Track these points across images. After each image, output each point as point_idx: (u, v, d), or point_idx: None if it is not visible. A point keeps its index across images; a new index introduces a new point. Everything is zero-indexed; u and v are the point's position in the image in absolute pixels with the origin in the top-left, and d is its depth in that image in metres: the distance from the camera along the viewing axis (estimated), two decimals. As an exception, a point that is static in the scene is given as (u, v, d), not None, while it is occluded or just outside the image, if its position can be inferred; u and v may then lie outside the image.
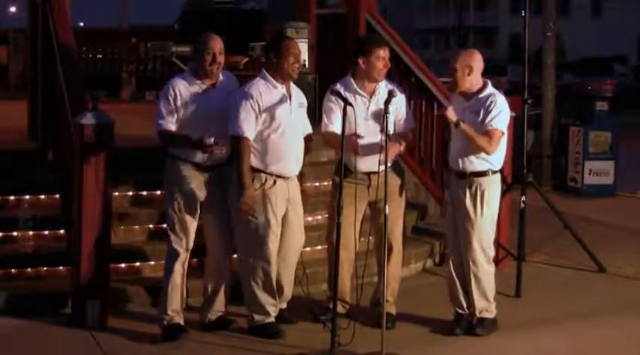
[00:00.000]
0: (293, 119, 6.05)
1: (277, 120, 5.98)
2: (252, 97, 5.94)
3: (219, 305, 6.18)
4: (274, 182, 6.02)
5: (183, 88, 5.96)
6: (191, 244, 6.07)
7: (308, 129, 6.29)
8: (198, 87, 5.99)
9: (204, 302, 6.20)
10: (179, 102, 5.93)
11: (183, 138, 5.92)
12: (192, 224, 6.06)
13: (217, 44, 5.97)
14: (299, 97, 6.19)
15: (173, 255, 6.04)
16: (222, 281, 6.15)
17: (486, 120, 6.09)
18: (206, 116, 5.93)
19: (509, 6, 57.89)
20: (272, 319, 6.13)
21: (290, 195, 6.10)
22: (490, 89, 6.22)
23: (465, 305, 6.33)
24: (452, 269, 6.37)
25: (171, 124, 5.95)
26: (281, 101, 6.02)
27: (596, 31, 52.08)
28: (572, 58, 40.96)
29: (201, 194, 6.01)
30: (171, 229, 6.05)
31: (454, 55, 6.28)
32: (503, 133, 6.15)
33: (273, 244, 6.03)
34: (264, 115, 5.96)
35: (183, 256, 6.05)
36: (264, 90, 6.01)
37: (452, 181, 6.33)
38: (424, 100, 8.79)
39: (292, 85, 6.16)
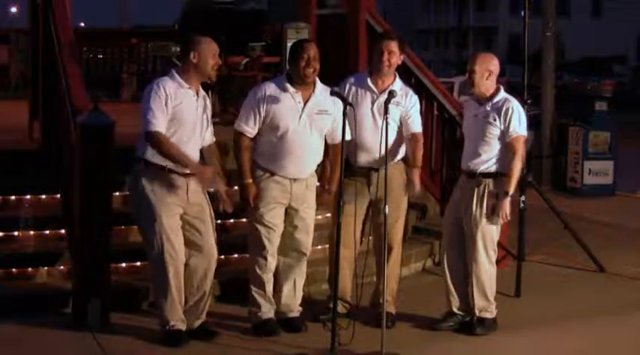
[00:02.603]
0: (302, 124, 6.01)
1: (276, 122, 5.99)
2: (253, 95, 6.07)
3: (203, 312, 6.04)
4: (270, 178, 6.05)
5: (173, 90, 5.80)
6: (183, 256, 5.88)
7: (334, 138, 6.13)
8: (187, 92, 5.86)
9: (189, 309, 6.01)
10: (169, 104, 5.76)
11: (182, 155, 5.76)
12: (181, 236, 5.87)
13: (216, 47, 5.92)
14: (321, 104, 6.07)
15: (167, 275, 5.80)
16: (208, 286, 6.01)
17: (509, 130, 6.20)
18: (194, 121, 5.86)
19: (508, 6, 57.91)
20: (269, 315, 6.13)
21: (293, 194, 6.09)
22: (503, 94, 6.30)
23: (457, 304, 6.37)
24: (446, 268, 6.40)
25: (163, 126, 5.74)
26: (286, 104, 6.01)
27: (596, 31, 52.11)
28: (572, 58, 40.99)
29: (184, 203, 5.87)
30: (161, 249, 5.78)
31: (473, 57, 6.34)
32: (525, 137, 6.30)
33: (265, 239, 6.05)
34: (263, 114, 6.00)
35: (179, 271, 5.85)
36: (270, 91, 6.05)
37: (461, 181, 6.37)
38: (424, 100, 8.79)
39: (320, 90, 6.08)
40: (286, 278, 6.22)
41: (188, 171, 5.84)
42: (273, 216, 6.06)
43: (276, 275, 6.21)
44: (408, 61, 8.91)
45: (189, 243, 5.94)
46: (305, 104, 6.03)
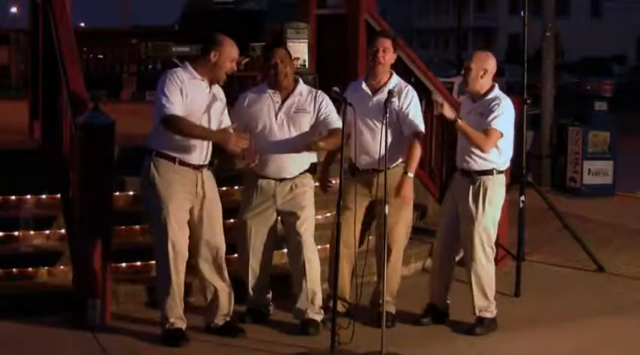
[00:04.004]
0: (279, 122, 6.11)
1: (255, 122, 6.15)
2: (238, 99, 6.29)
3: (223, 309, 6.09)
4: (255, 180, 6.16)
5: (186, 80, 5.83)
6: (186, 252, 5.90)
7: (326, 126, 6.12)
8: (199, 83, 5.89)
9: (208, 307, 6.10)
10: (184, 91, 5.78)
11: (203, 129, 5.79)
12: (186, 231, 5.89)
13: (237, 52, 5.98)
14: (301, 103, 6.16)
15: (168, 267, 5.82)
16: (219, 282, 6.06)
17: (487, 120, 6.17)
18: (204, 113, 5.88)
19: (508, 6, 57.90)
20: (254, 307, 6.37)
21: (277, 197, 6.14)
22: (496, 92, 6.31)
23: (438, 297, 6.45)
24: (437, 264, 6.43)
25: (179, 110, 5.72)
26: (263, 104, 6.17)
27: (596, 31, 52.10)
28: (572, 58, 40.97)
29: (192, 196, 5.90)
30: (164, 239, 5.80)
31: (470, 55, 6.39)
32: (501, 134, 6.19)
33: (248, 239, 6.19)
34: (242, 116, 6.17)
35: (179, 266, 5.86)
36: (252, 94, 6.30)
37: (456, 179, 6.39)
38: (423, 100, 8.79)
39: (300, 90, 6.17)
40: (296, 279, 6.24)
41: (198, 163, 5.88)
42: (255, 221, 6.19)
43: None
44: (408, 60, 8.93)
45: (196, 238, 5.97)
46: (283, 103, 6.14)
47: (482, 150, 6.18)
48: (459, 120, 6.11)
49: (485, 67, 6.26)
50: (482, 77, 6.26)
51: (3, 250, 6.78)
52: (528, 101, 7.91)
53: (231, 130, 5.85)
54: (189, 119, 5.77)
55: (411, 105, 6.35)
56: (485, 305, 6.33)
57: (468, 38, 57.83)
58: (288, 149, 6.11)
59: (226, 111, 6.09)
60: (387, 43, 6.34)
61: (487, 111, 6.19)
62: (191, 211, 5.93)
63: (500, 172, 6.29)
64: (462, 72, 6.35)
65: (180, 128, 5.73)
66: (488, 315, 6.34)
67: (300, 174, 6.20)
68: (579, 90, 27.36)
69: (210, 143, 5.95)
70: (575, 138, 12.22)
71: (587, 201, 11.62)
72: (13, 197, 7.14)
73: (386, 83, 6.35)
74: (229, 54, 5.90)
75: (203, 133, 5.82)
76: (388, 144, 5.90)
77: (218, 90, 6.04)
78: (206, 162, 5.97)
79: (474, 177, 6.25)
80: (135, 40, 13.71)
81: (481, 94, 6.30)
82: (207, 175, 6.01)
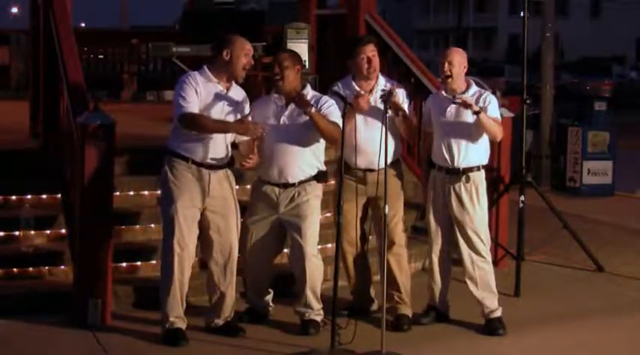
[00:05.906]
0: (283, 125, 6.09)
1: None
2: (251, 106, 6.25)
3: (225, 312, 6.11)
4: (261, 186, 6.16)
5: (201, 83, 5.89)
6: (193, 252, 5.95)
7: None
8: (215, 86, 5.94)
9: (211, 308, 6.12)
10: (198, 91, 5.86)
11: (219, 122, 5.86)
12: (195, 230, 5.93)
13: (250, 46, 5.99)
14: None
15: (171, 264, 5.86)
16: (227, 286, 6.07)
17: (494, 113, 6.27)
18: (219, 116, 5.90)
19: (508, 7, 57.96)
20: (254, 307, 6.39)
21: (280, 203, 6.11)
22: (476, 87, 6.39)
23: (437, 300, 6.45)
24: (436, 268, 6.42)
25: (195, 108, 5.81)
26: (268, 107, 6.17)
27: (595, 31, 52.16)
28: (571, 58, 41.01)
29: (204, 197, 5.93)
30: (170, 235, 5.86)
31: (448, 50, 6.38)
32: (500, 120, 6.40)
33: (249, 244, 6.18)
34: (252, 119, 6.13)
35: (184, 264, 5.88)
36: (261, 99, 6.40)
37: (441, 179, 6.36)
38: (424, 101, 8.79)
39: (305, 94, 6.12)
40: (298, 282, 6.23)
41: (211, 163, 5.91)
42: (256, 227, 6.19)
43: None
44: (408, 60, 8.95)
45: (207, 239, 6.00)
46: (286, 106, 6.14)
47: (496, 139, 6.39)
48: (482, 112, 6.16)
49: (464, 62, 6.32)
50: (464, 73, 6.32)
51: (3, 250, 6.79)
52: (528, 101, 7.92)
53: (248, 119, 5.95)
54: None
55: (403, 98, 6.36)
56: (495, 302, 6.34)
57: (468, 38, 57.83)
58: (291, 154, 6.08)
59: (247, 112, 6.09)
60: (373, 49, 6.36)
61: (481, 104, 6.23)
62: (203, 212, 5.96)
63: (483, 167, 6.37)
64: (444, 67, 6.27)
65: (198, 123, 5.83)
66: (498, 314, 6.35)
67: (305, 181, 6.16)
68: (579, 91, 27.39)
69: (228, 144, 6.00)
70: (574, 138, 12.24)
71: (586, 201, 11.63)
72: (14, 197, 7.16)
73: (376, 83, 6.39)
74: (242, 48, 5.93)
75: (221, 126, 5.89)
76: (383, 143, 5.90)
77: (237, 91, 6.07)
78: (221, 163, 5.98)
79: (466, 174, 6.27)
80: (135, 40, 13.71)
81: (462, 90, 6.32)
82: (222, 176, 6.01)
